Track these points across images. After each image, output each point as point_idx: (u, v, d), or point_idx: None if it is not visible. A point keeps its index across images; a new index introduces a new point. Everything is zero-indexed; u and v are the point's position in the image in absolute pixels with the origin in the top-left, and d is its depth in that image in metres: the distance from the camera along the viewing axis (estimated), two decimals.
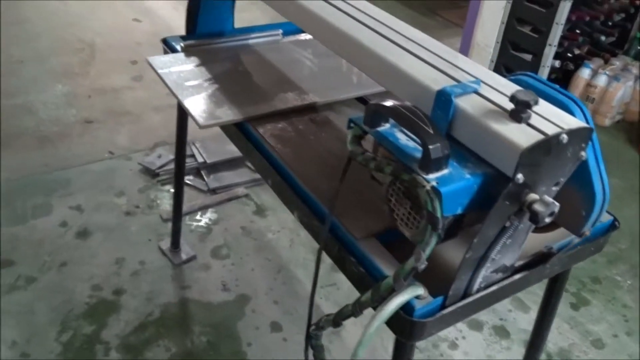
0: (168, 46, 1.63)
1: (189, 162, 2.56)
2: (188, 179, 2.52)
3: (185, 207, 2.35)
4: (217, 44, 1.61)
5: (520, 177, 0.80)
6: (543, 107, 0.88)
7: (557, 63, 3.23)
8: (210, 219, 2.34)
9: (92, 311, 1.90)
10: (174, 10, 4.16)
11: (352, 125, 0.95)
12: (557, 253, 0.98)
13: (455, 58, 1.01)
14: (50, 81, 3.18)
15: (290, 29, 1.72)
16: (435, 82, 0.92)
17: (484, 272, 0.92)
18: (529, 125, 0.83)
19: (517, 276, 0.97)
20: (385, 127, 0.91)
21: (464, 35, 3.65)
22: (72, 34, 3.71)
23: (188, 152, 2.59)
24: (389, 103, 0.87)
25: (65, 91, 3.11)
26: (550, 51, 3.15)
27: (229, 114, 1.28)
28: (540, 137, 0.79)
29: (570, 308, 2.11)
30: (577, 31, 3.40)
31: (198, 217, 2.35)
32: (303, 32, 1.69)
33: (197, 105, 1.30)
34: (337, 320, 0.97)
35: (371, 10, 1.17)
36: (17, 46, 3.51)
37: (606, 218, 1.12)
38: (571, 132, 0.82)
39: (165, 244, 2.16)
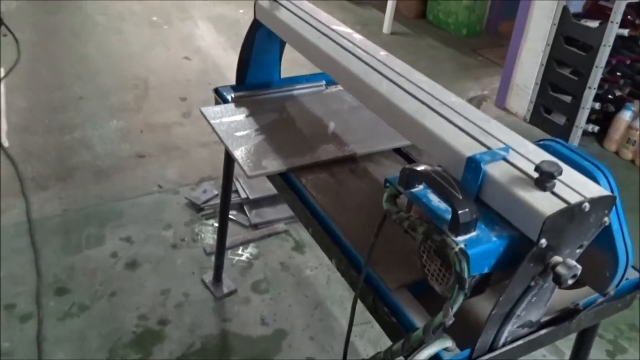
0: (220, 96, 1.75)
1: (233, 198, 2.68)
2: (231, 214, 2.63)
3: (228, 242, 2.46)
4: (265, 95, 1.73)
5: (543, 242, 0.86)
6: (569, 174, 0.94)
7: (598, 105, 3.24)
8: (251, 254, 2.45)
9: (139, 340, 2.01)
10: (222, 49, 4.37)
11: (387, 185, 1.03)
12: (583, 310, 1.02)
13: (488, 124, 1.08)
14: (106, 117, 3.39)
15: (332, 80, 1.82)
16: (467, 148, 1.00)
17: (510, 327, 0.97)
18: (553, 193, 0.89)
19: (542, 331, 1.02)
20: (418, 189, 0.99)
21: (504, 76, 3.71)
22: (129, 72, 3.95)
23: (232, 188, 2.72)
24: (421, 168, 0.95)
25: (120, 126, 3.31)
26: (590, 93, 3.17)
27: (274, 165, 1.38)
28: (563, 205, 0.85)
29: (607, 355, 2.09)
30: (618, 73, 3.40)
31: (240, 251, 2.46)
32: None
33: (245, 155, 1.41)
34: None
35: (408, 73, 1.26)
36: (80, 83, 3.76)
37: (633, 275, 1.16)
38: (593, 201, 0.87)
39: (208, 277, 2.27)
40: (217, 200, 2.70)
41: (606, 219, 0.92)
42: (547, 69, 3.37)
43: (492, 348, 0.98)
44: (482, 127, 1.06)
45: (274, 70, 1.83)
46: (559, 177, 0.91)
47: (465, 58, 4.51)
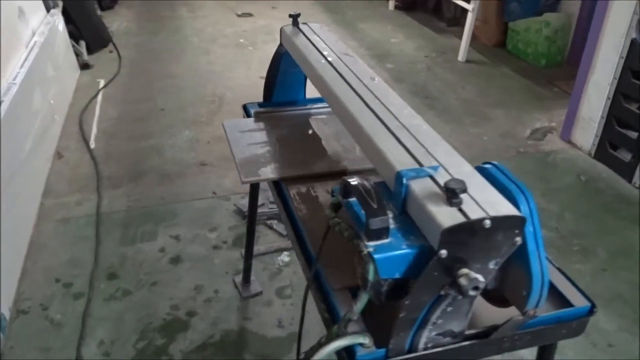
0: (246, 111, 1.95)
1: (275, 208, 2.87)
2: (272, 222, 2.82)
3: (263, 248, 2.65)
4: (284, 112, 1.90)
5: (444, 252, 0.93)
6: (488, 194, 1.00)
7: None
8: (282, 261, 2.60)
9: (167, 327, 2.23)
10: None
11: (334, 194, 1.15)
12: (500, 327, 1.06)
13: (436, 146, 1.17)
14: (181, 128, 3.74)
15: None
16: (401, 165, 1.09)
17: (428, 334, 1.04)
18: (460, 209, 0.96)
19: (466, 343, 1.07)
20: (354, 198, 1.10)
21: (570, 108, 3.60)
22: (208, 88, 4.32)
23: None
24: (352, 180, 1.06)
25: (190, 137, 3.64)
26: None
27: (267, 173, 1.54)
28: (462, 220, 0.93)
29: None
30: None
31: (273, 258, 2.62)
32: None
33: (246, 163, 1.58)
34: (307, 357, 1.14)
35: (385, 97, 1.36)
36: (164, 97, 4.17)
37: (583, 303, 1.17)
38: (496, 219, 0.93)
39: (239, 278, 2.46)
40: (263, 209, 2.89)
41: (518, 238, 0.97)
42: (614, 103, 3.25)
43: (410, 351, 1.05)
44: (428, 149, 1.15)
45: (299, 90, 1.99)
46: (476, 196, 0.99)
47: (539, 89, 4.41)
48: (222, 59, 4.89)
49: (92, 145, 3.49)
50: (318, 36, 1.77)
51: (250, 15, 6.03)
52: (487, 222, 0.93)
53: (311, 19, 5.93)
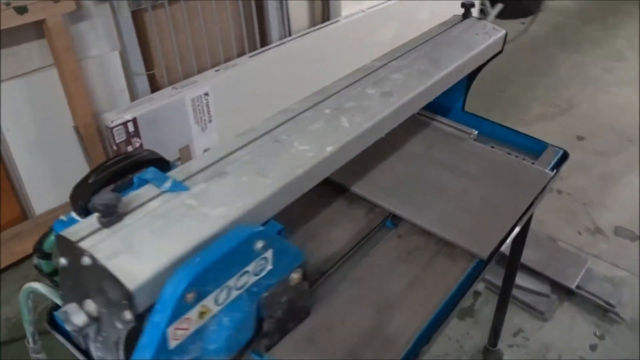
0: None
1: None
2: None
3: None
4: (421, 117, 1.55)
5: (63, 260, 0.77)
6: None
7: None
8: None
9: None
10: None
11: None
12: None
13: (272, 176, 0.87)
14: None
15: (489, 131, 1.48)
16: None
17: (94, 344, 0.87)
18: (100, 230, 0.75)
19: None
20: None
21: None
22: (562, 91, 3.72)
23: None
24: (139, 154, 0.92)
25: None
26: None
27: None
28: (68, 236, 0.73)
29: None
30: None
31: None
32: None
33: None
34: None
35: (342, 115, 1.03)
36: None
37: None
38: (95, 264, 0.69)
39: None
40: None
41: (126, 313, 0.71)
42: None
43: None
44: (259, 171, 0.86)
45: (458, 99, 1.60)
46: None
47: None
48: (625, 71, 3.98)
49: None
50: (456, 34, 1.37)
51: None
52: (87, 260, 0.71)
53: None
